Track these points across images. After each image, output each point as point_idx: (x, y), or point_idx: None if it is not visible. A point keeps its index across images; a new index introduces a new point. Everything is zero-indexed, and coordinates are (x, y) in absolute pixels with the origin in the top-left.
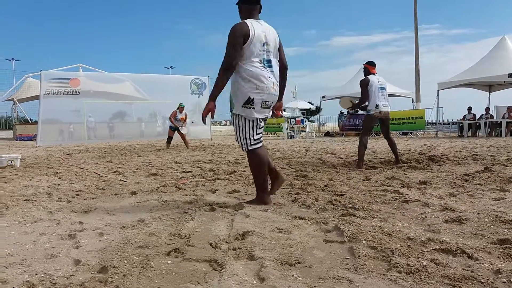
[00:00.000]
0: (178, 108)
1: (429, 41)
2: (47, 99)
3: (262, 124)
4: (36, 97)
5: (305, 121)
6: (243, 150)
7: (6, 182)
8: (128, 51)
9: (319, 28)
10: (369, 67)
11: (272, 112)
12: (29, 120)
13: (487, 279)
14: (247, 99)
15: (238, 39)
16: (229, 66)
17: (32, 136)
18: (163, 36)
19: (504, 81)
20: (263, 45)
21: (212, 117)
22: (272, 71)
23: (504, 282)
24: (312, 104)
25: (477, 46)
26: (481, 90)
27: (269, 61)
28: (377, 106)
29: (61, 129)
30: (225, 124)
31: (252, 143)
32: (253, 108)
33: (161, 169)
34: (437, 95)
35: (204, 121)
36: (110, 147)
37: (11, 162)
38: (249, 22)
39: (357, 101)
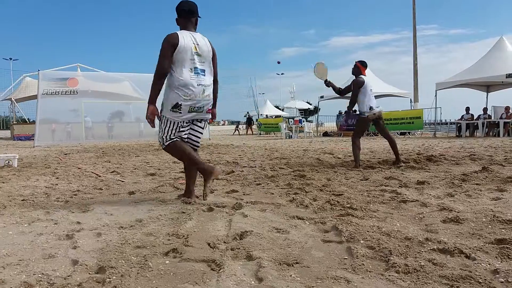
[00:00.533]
0: None
1: (428, 41)
2: (45, 99)
3: (188, 127)
4: (34, 97)
5: (303, 121)
6: (160, 145)
7: (3, 182)
8: (127, 50)
9: (318, 28)
10: (361, 67)
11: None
12: (27, 120)
13: (485, 279)
14: (175, 104)
15: (167, 49)
16: (161, 74)
17: (30, 136)
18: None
19: (502, 82)
20: (194, 55)
21: (159, 119)
22: (203, 79)
23: (502, 282)
24: (310, 104)
25: (475, 46)
26: (479, 91)
27: (201, 70)
28: (371, 108)
29: (53, 129)
30: (223, 124)
31: (167, 140)
32: (180, 113)
33: (159, 169)
34: (435, 95)
35: (151, 124)
36: (108, 147)
37: (8, 162)
38: (180, 32)
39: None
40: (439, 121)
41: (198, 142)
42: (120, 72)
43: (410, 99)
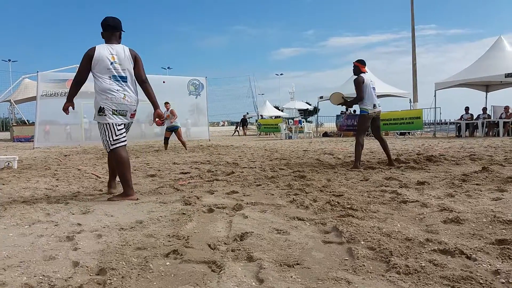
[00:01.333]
0: (164, 105)
1: (426, 41)
2: (44, 100)
3: (123, 129)
4: (33, 98)
5: (303, 122)
6: (106, 151)
7: (3, 184)
8: None
9: (316, 28)
10: (360, 66)
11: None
12: (26, 122)
13: (486, 280)
14: (99, 108)
15: (84, 60)
16: (77, 81)
17: (30, 138)
18: (161, 38)
19: (501, 81)
20: (112, 64)
21: (67, 113)
22: (123, 85)
23: (503, 283)
24: (310, 105)
25: (474, 46)
26: (478, 90)
27: (120, 77)
28: (374, 105)
29: (46, 131)
30: (222, 125)
31: (112, 144)
32: (105, 115)
33: (159, 170)
34: (435, 95)
35: (65, 112)
36: None
37: (8, 163)
38: (98, 46)
39: (349, 99)
40: (438, 121)
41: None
42: None
43: (410, 99)
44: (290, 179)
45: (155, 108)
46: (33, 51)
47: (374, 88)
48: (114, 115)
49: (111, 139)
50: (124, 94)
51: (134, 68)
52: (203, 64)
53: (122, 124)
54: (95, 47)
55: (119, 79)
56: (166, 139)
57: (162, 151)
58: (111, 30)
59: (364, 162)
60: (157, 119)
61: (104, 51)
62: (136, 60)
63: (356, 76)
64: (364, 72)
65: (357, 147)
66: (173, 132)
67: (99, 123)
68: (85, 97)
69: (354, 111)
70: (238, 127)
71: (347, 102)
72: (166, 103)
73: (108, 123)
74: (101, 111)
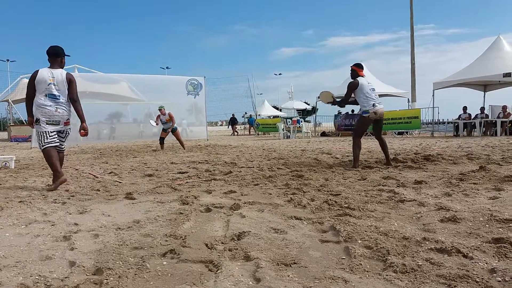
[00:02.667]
0: (159, 111)
1: (425, 41)
2: None
3: (55, 134)
4: None
5: (301, 121)
6: (40, 149)
7: (0, 184)
8: (124, 52)
9: (316, 28)
10: (357, 70)
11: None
12: (24, 122)
13: (482, 278)
14: (36, 119)
15: (30, 82)
16: (27, 98)
17: (27, 138)
18: (160, 37)
19: (499, 81)
20: (49, 85)
21: (32, 127)
22: (56, 102)
23: (499, 281)
24: (308, 104)
25: (473, 45)
26: (476, 90)
27: (53, 95)
28: (374, 105)
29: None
30: (221, 125)
31: (43, 145)
32: (40, 125)
33: (157, 170)
34: (433, 95)
35: (31, 126)
36: (106, 148)
37: (5, 163)
38: (41, 70)
39: (338, 99)
40: (436, 120)
41: (63, 146)
42: (118, 73)
43: (408, 99)
44: (288, 178)
45: (82, 121)
46: (31, 51)
47: (373, 89)
48: (47, 125)
49: (43, 142)
50: (56, 108)
51: (68, 89)
52: (202, 64)
53: (54, 131)
54: (38, 70)
55: (53, 97)
56: (162, 139)
57: (160, 151)
58: (53, 57)
59: (362, 162)
60: (81, 131)
61: (45, 74)
62: (70, 82)
63: (352, 80)
64: (362, 76)
65: (354, 149)
66: (171, 133)
67: (36, 130)
68: (83, 97)
69: (352, 110)
70: (229, 126)
71: (335, 102)
72: (160, 109)
73: (43, 131)
74: (38, 122)
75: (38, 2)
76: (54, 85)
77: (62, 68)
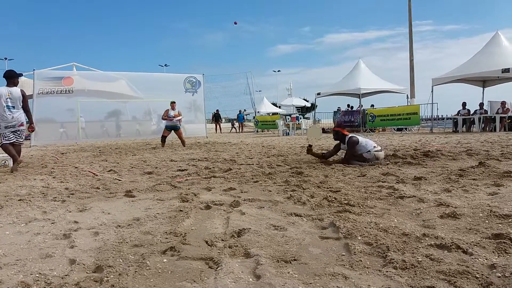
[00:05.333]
0: (170, 105)
1: (423, 37)
2: (41, 99)
3: (11, 134)
4: (30, 97)
5: (300, 118)
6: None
7: (0, 182)
8: (122, 49)
9: (312, 25)
10: (342, 130)
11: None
12: None
13: (482, 274)
14: None
15: None
16: None
17: (26, 136)
18: (158, 35)
19: (498, 76)
20: (7, 99)
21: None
22: (12, 112)
23: (499, 277)
24: (307, 101)
25: (471, 41)
26: (475, 86)
27: (11, 106)
28: (369, 152)
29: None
30: (221, 122)
31: (2, 142)
32: (1, 128)
33: (156, 168)
34: (432, 91)
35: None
36: (105, 146)
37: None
38: (1, 88)
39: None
40: (435, 116)
41: (20, 140)
42: (116, 70)
43: (407, 95)
44: (287, 175)
45: (31, 122)
46: (29, 49)
47: (366, 142)
48: (5, 128)
49: (2, 140)
50: (12, 116)
51: (22, 102)
52: (200, 61)
53: (10, 132)
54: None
55: (10, 108)
56: (164, 138)
57: (159, 149)
58: (9, 79)
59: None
60: (29, 129)
61: (3, 91)
62: (23, 95)
63: (348, 138)
64: (347, 135)
65: (352, 163)
66: (174, 131)
67: None
68: (82, 95)
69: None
70: (236, 123)
71: (343, 160)
72: (173, 103)
73: (2, 132)
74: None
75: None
76: (10, 99)
77: (16, 85)
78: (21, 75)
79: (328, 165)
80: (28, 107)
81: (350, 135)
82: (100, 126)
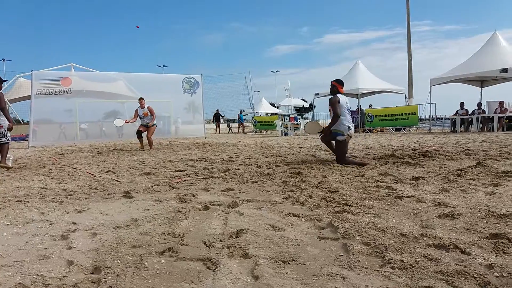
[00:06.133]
0: (138, 102)
1: (422, 37)
2: (39, 99)
3: None
4: (28, 97)
5: (299, 118)
6: None
7: None
8: (120, 50)
9: (311, 25)
10: (338, 86)
11: None
12: (21, 121)
13: (480, 274)
14: None
15: None
16: None
17: (24, 137)
18: (156, 35)
19: (496, 77)
20: None
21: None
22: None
23: (497, 277)
24: (306, 101)
25: (469, 42)
26: (473, 86)
27: None
28: (349, 127)
29: (34, 129)
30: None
31: None
32: None
33: (155, 168)
34: (430, 91)
35: None
36: (103, 146)
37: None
38: None
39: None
40: (434, 116)
41: (4, 138)
42: (114, 71)
43: (405, 95)
44: (286, 175)
45: (10, 122)
46: (27, 50)
47: (349, 110)
48: None
49: None
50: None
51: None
52: (199, 62)
53: None
54: None
55: None
56: (140, 133)
57: (158, 149)
58: None
59: (360, 158)
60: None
61: None
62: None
63: (332, 96)
64: (341, 93)
65: (349, 163)
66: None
67: None
68: (80, 96)
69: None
70: (233, 124)
71: (325, 129)
72: (141, 99)
73: None
74: None
75: (33, 0)
76: None
77: (0, 89)
78: (5, 80)
79: (327, 165)
80: (4, 106)
81: (338, 95)
82: (98, 127)
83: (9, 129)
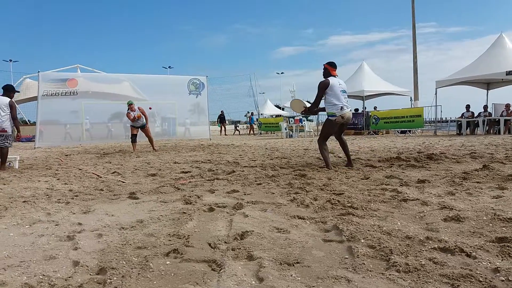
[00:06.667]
0: (129, 107)
1: (427, 39)
2: (45, 100)
3: None
4: (34, 98)
5: (304, 120)
6: None
7: (4, 184)
8: (127, 51)
9: (316, 27)
10: (329, 68)
11: None
12: (28, 122)
13: (486, 278)
14: None
15: None
16: None
17: (31, 137)
18: (162, 37)
19: (502, 79)
20: None
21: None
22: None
23: (503, 281)
24: (311, 103)
25: (475, 43)
26: (479, 88)
27: None
28: (342, 108)
29: (41, 130)
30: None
31: None
32: None
33: (160, 170)
34: (435, 93)
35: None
36: (109, 147)
37: (9, 163)
38: None
39: (309, 105)
40: (439, 119)
41: (4, 145)
42: (120, 73)
43: (410, 97)
44: (290, 178)
45: (18, 131)
46: (34, 51)
47: (344, 91)
48: None
49: None
50: (1, 121)
51: (10, 111)
52: (204, 63)
53: None
54: None
55: None
56: (134, 137)
57: (163, 151)
58: (5, 91)
59: (365, 161)
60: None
61: None
62: (11, 106)
63: (323, 79)
64: (334, 76)
65: (322, 152)
66: (140, 129)
67: None
68: (86, 97)
69: (357, 109)
70: (241, 126)
71: (306, 109)
72: (130, 105)
73: None
74: None
75: (39, 1)
76: None
77: (10, 98)
78: (18, 91)
79: (332, 167)
80: (15, 115)
81: (330, 78)
82: (104, 128)
83: (15, 138)
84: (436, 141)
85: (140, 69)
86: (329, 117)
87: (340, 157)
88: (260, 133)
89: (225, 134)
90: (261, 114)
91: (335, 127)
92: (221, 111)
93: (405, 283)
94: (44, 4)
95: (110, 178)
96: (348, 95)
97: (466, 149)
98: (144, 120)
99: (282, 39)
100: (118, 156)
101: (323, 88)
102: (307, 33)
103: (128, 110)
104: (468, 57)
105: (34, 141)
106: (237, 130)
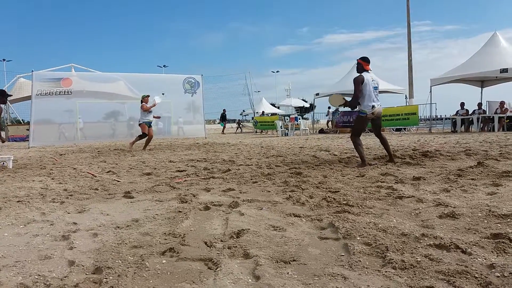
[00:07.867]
0: (144, 100)
1: (422, 37)
2: (39, 100)
3: None
4: (28, 98)
5: (299, 119)
6: None
7: None
8: (121, 50)
9: (311, 25)
10: (363, 63)
11: None
12: (21, 121)
13: (481, 274)
14: None
15: None
16: None
17: (25, 137)
18: (157, 35)
19: (496, 77)
20: None
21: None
22: None
23: (498, 277)
24: (306, 102)
25: (470, 42)
26: (474, 86)
27: None
28: (373, 106)
29: (34, 130)
30: (219, 123)
31: None
32: None
33: (155, 169)
34: (430, 91)
35: None
36: (104, 146)
37: (3, 163)
38: None
39: (349, 99)
40: (434, 117)
41: None
42: (115, 71)
43: (405, 95)
44: (286, 176)
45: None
46: (27, 50)
47: (376, 88)
48: None
49: None
50: None
51: None
52: (199, 62)
53: None
54: None
55: None
56: (144, 135)
57: (158, 150)
58: None
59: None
60: None
61: None
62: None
63: (358, 74)
64: (367, 70)
65: (357, 149)
66: (139, 125)
67: None
68: (80, 96)
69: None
70: (221, 122)
71: (347, 103)
72: (145, 97)
73: None
74: None
75: (33, 1)
76: None
77: (4, 103)
78: (10, 95)
79: (327, 165)
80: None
81: (364, 73)
82: (99, 127)
83: None
84: (431, 139)
85: (135, 68)
86: (361, 114)
87: (336, 155)
88: (256, 132)
89: (224, 133)
90: (257, 112)
91: (367, 122)
92: (223, 110)
93: (401, 280)
94: (37, 3)
95: (105, 177)
96: (343, 93)
97: (461, 147)
98: (152, 117)
99: (277, 38)
100: (113, 155)
101: (359, 83)
102: (303, 31)
103: (142, 103)
104: (463, 55)
105: (28, 140)
106: (240, 128)
